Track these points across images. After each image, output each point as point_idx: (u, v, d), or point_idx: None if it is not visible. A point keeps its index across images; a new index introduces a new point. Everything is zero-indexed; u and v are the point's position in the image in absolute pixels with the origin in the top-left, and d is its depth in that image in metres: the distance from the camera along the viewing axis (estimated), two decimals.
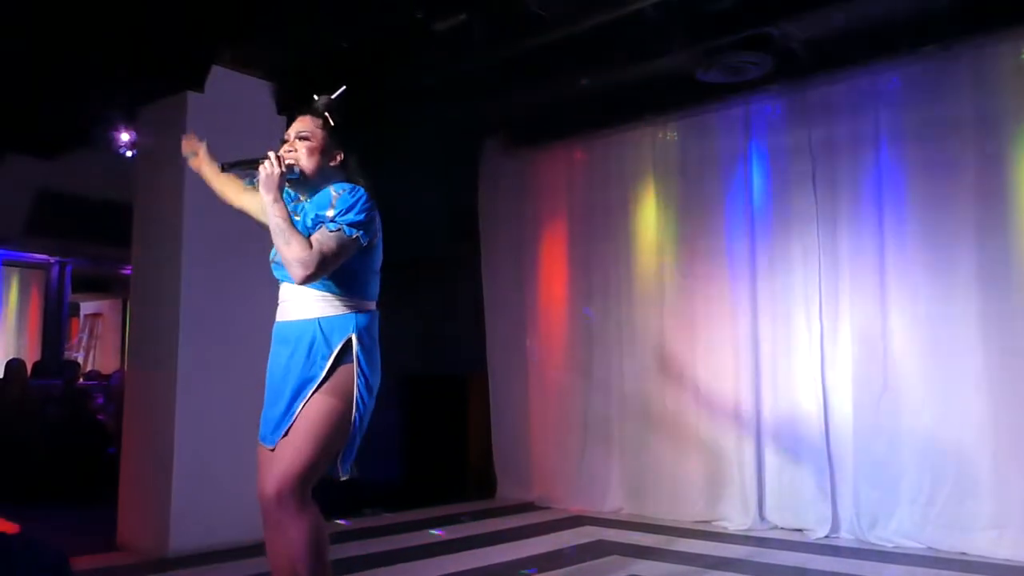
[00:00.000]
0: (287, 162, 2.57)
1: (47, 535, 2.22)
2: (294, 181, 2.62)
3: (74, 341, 13.47)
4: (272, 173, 2.49)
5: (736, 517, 5.37)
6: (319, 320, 2.56)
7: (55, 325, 10.73)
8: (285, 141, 2.70)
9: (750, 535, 5.15)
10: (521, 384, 6.62)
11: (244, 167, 2.59)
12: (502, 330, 6.78)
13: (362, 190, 2.58)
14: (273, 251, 2.66)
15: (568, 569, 4.29)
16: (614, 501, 6.01)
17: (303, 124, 2.69)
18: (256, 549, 4.72)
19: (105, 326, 13.59)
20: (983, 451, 4.55)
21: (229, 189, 3.03)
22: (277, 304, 2.77)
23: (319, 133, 2.67)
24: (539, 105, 5.95)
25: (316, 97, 2.74)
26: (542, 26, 4.59)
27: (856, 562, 4.43)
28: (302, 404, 2.50)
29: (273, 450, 2.55)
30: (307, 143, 2.65)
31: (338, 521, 5.49)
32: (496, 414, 6.76)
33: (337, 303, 2.58)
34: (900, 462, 4.82)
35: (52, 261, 10.49)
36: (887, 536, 4.81)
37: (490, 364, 6.82)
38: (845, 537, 5.00)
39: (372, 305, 2.66)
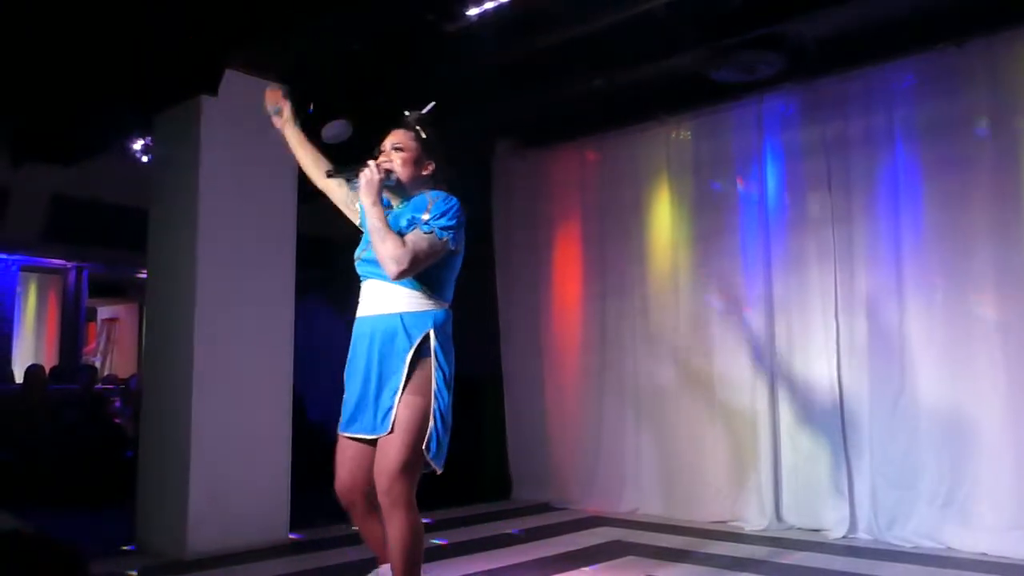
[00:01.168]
0: (385, 168, 2.82)
1: (65, 537, 2.23)
2: (389, 188, 2.85)
3: (92, 346, 13.56)
4: (372, 179, 2.76)
5: (753, 517, 5.35)
6: (402, 315, 2.77)
7: (72, 330, 10.80)
8: (380, 152, 2.92)
9: (767, 535, 5.13)
10: (536, 385, 6.62)
11: (346, 173, 2.86)
12: (517, 331, 6.78)
13: (455, 199, 2.82)
14: (359, 249, 2.90)
15: (585, 570, 4.28)
16: (630, 502, 6.00)
17: (397, 137, 2.93)
18: (272, 551, 4.77)
19: (122, 330, 13.67)
20: (1003, 450, 4.50)
21: (313, 166, 3.13)
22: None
23: (412, 145, 2.91)
24: (551, 105, 5.95)
25: (407, 112, 2.98)
26: (554, 26, 4.60)
27: (874, 562, 4.40)
28: (396, 401, 2.71)
29: (352, 439, 2.85)
30: (402, 154, 2.89)
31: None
32: (511, 415, 6.76)
33: (419, 300, 2.79)
34: (918, 461, 4.79)
35: (69, 266, 10.56)
36: (906, 536, 4.77)
37: (505, 365, 6.82)
38: (863, 537, 4.96)
39: (448, 304, 2.88)
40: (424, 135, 2.94)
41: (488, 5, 4.33)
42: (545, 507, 6.21)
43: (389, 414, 2.71)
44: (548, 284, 6.64)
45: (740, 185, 5.67)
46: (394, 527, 2.70)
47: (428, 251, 2.71)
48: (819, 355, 5.23)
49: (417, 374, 2.73)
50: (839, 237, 5.20)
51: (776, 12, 4.55)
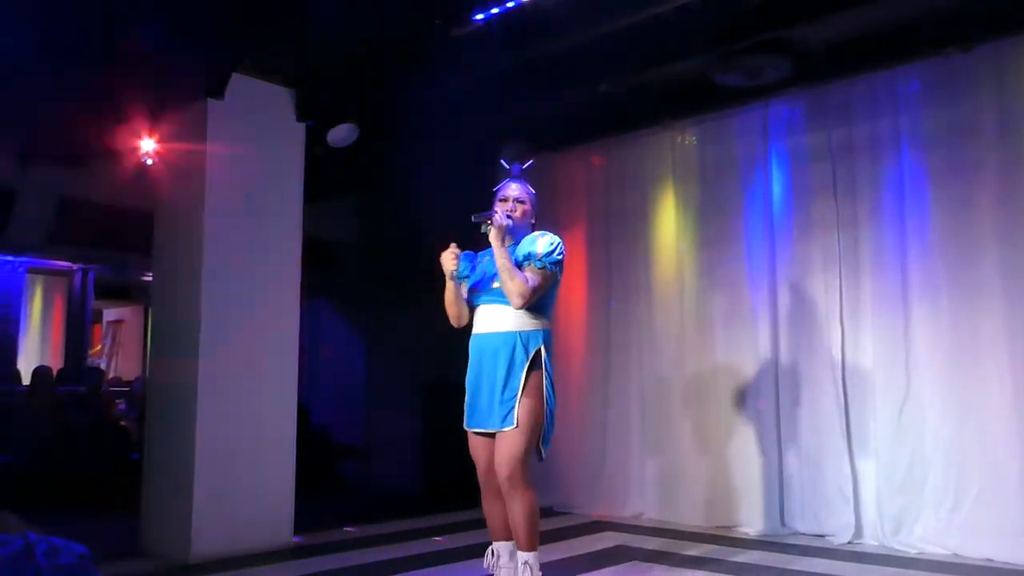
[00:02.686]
0: (508, 216, 3.51)
1: (71, 539, 2.24)
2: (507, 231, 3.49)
3: (97, 348, 13.59)
4: (502, 224, 3.44)
5: (757, 523, 5.33)
6: (518, 333, 3.43)
7: (78, 332, 10.82)
8: (504, 200, 3.59)
9: (772, 541, 5.11)
10: None
11: (482, 218, 3.46)
12: None
13: (558, 238, 3.50)
14: (474, 283, 3.56)
15: (589, 574, 4.28)
16: (634, 506, 5.99)
17: (517, 191, 3.62)
18: (276, 555, 4.77)
19: (127, 333, 13.70)
20: (1009, 456, 4.49)
21: (454, 304, 3.64)
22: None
23: (528, 198, 3.63)
24: (558, 110, 5.95)
25: (505, 164, 3.68)
26: (560, 31, 4.60)
27: (880, 568, 4.38)
28: (516, 402, 3.35)
29: (480, 434, 3.50)
30: (523, 206, 3.60)
31: (347, 528, 5.51)
32: None
33: (531, 321, 3.46)
34: (924, 467, 4.77)
35: (75, 268, 10.59)
36: (911, 542, 4.76)
37: None
38: (868, 543, 4.94)
39: (549, 323, 3.55)
40: (532, 190, 3.65)
41: (495, 10, 4.33)
42: (548, 511, 6.18)
43: (512, 413, 3.35)
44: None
45: (745, 190, 5.67)
46: (517, 504, 3.34)
47: (543, 284, 3.41)
48: (824, 360, 5.21)
49: (531, 382, 3.38)
50: (844, 242, 5.19)
51: (784, 16, 4.54)
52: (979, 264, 4.67)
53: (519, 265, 3.41)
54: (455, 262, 3.53)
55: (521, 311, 3.41)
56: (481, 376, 3.48)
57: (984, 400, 4.60)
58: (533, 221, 3.64)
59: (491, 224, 3.44)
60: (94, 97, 5.34)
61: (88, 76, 5.05)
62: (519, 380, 3.37)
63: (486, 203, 3.64)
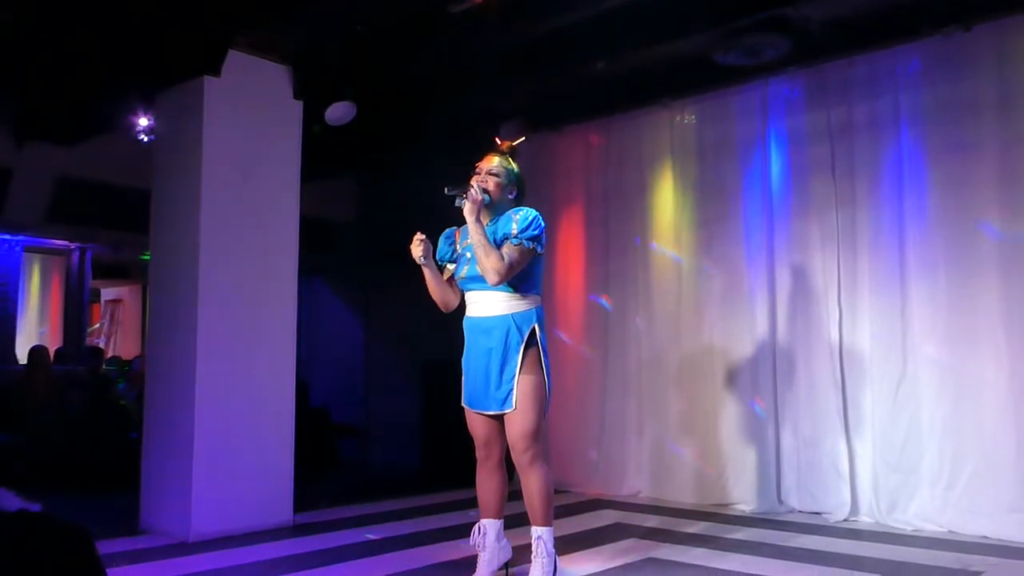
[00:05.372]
0: (483, 188, 3.44)
1: (71, 518, 2.25)
2: (484, 206, 3.43)
3: (96, 327, 13.58)
4: (476, 199, 3.37)
5: (754, 500, 5.37)
6: (512, 315, 3.43)
7: (76, 311, 10.79)
8: (476, 173, 3.53)
9: (769, 518, 5.15)
10: None
11: (457, 191, 3.40)
12: None
13: (535, 212, 3.44)
14: (461, 270, 3.54)
15: (586, 552, 4.31)
16: (632, 484, 6.02)
17: (492, 163, 3.56)
18: (276, 533, 4.79)
19: (126, 312, 13.68)
20: (1004, 434, 4.51)
21: (438, 286, 3.66)
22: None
23: (503, 172, 3.55)
24: (556, 88, 5.93)
25: (499, 141, 3.63)
26: (559, 8, 4.57)
27: (875, 545, 4.41)
28: (515, 383, 3.38)
29: (480, 414, 3.53)
30: (495, 179, 3.52)
31: (345, 507, 5.55)
32: None
33: (522, 301, 3.46)
34: (920, 445, 4.80)
35: (72, 247, 10.54)
36: (907, 519, 4.79)
37: None
38: (864, 520, 4.99)
39: (540, 298, 3.55)
40: (515, 167, 3.59)
41: None
42: None
43: (511, 395, 3.39)
44: (552, 267, 6.63)
45: (744, 169, 5.65)
46: (532, 479, 3.41)
47: (519, 260, 3.36)
48: (821, 339, 5.23)
49: (528, 359, 3.40)
50: (843, 222, 5.19)
51: None
52: (976, 244, 4.67)
53: (498, 244, 3.38)
54: (420, 248, 3.49)
55: (513, 293, 3.43)
56: (478, 359, 3.49)
57: (980, 379, 4.62)
58: (512, 196, 3.57)
59: (465, 198, 3.38)
60: (91, 74, 5.32)
61: (85, 53, 5.02)
62: (516, 362, 3.39)
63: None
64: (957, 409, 4.69)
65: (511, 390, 3.39)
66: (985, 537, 4.49)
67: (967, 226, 4.71)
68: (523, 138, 3.73)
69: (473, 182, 3.46)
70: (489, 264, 3.31)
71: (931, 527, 4.70)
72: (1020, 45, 4.59)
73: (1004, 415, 4.52)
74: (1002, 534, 4.45)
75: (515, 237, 3.36)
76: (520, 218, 3.40)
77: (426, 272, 3.60)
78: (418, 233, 3.52)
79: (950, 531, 4.63)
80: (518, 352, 3.39)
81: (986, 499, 4.54)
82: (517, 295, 3.44)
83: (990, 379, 4.59)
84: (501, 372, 3.41)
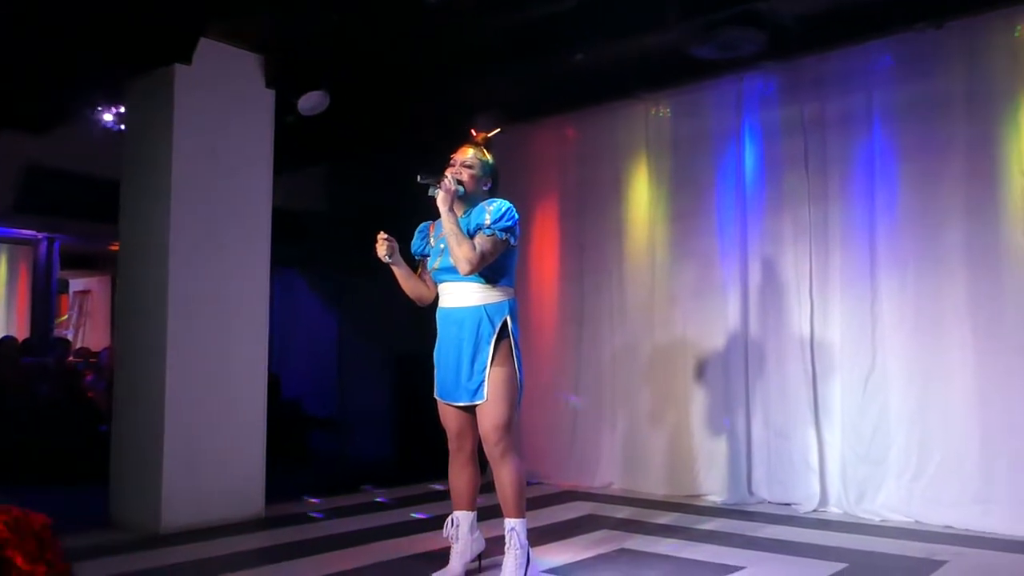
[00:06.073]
0: (457, 179, 3.42)
1: (35, 510, 2.22)
2: (458, 198, 3.41)
3: (64, 318, 13.40)
4: (450, 188, 3.35)
5: (725, 491, 5.42)
6: (485, 306, 3.41)
7: (44, 302, 10.63)
8: (451, 164, 3.50)
9: (739, 509, 5.20)
10: None
11: (431, 180, 3.37)
12: None
13: (509, 203, 3.42)
14: (434, 262, 3.53)
15: (559, 543, 4.32)
16: (604, 476, 6.05)
17: (466, 155, 3.54)
18: (247, 525, 4.76)
19: (95, 303, 13.50)
20: (969, 427, 4.59)
21: (408, 281, 3.69)
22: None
23: (478, 164, 3.52)
24: (531, 81, 5.91)
25: (474, 132, 3.60)
26: (534, 1, 4.55)
27: (844, 535, 4.47)
28: (486, 375, 3.36)
29: (451, 406, 3.52)
30: (469, 170, 3.50)
31: (310, 499, 5.52)
32: None
33: (495, 292, 3.44)
34: (888, 437, 4.87)
35: (40, 237, 10.36)
36: (874, 510, 4.86)
37: None
38: (833, 511, 5.05)
39: (513, 290, 3.53)
40: (490, 159, 3.56)
41: None
42: None
43: (482, 387, 3.38)
44: (525, 259, 6.62)
45: (718, 163, 5.68)
46: (505, 471, 3.40)
47: (492, 251, 3.34)
48: (792, 332, 5.28)
49: (500, 351, 3.39)
50: (815, 216, 5.23)
51: None
52: (945, 239, 4.73)
53: (471, 235, 3.36)
54: (384, 247, 3.49)
55: (485, 284, 3.41)
56: (449, 350, 3.48)
57: (946, 372, 4.69)
58: (487, 187, 3.55)
59: (439, 187, 3.36)
60: (59, 60, 5.22)
61: (53, 40, 4.93)
62: (487, 354, 3.38)
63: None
64: (924, 401, 4.76)
65: (482, 381, 3.38)
66: (950, 527, 4.56)
67: (936, 222, 4.77)
68: (498, 130, 3.66)
69: (448, 173, 3.43)
70: (461, 253, 3.29)
71: (898, 517, 4.77)
72: (991, 43, 4.65)
73: (969, 408, 4.60)
74: (967, 524, 4.52)
75: (488, 227, 3.34)
76: (493, 209, 3.38)
77: (395, 270, 3.61)
78: (381, 232, 3.52)
79: (917, 521, 4.70)
80: (489, 343, 3.38)
81: (951, 489, 4.62)
82: (490, 286, 3.43)
83: (956, 372, 4.65)
84: (472, 363, 3.40)
